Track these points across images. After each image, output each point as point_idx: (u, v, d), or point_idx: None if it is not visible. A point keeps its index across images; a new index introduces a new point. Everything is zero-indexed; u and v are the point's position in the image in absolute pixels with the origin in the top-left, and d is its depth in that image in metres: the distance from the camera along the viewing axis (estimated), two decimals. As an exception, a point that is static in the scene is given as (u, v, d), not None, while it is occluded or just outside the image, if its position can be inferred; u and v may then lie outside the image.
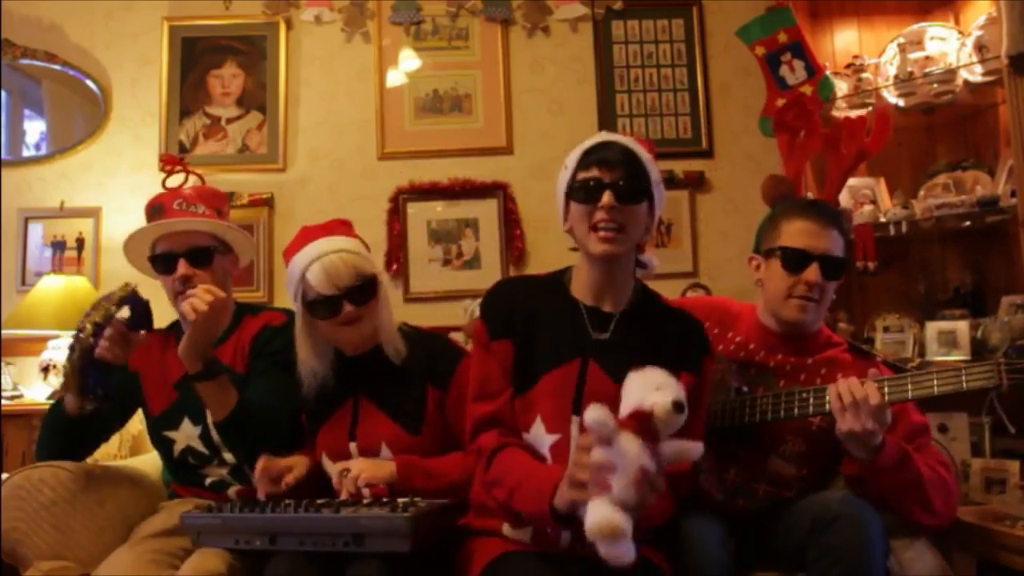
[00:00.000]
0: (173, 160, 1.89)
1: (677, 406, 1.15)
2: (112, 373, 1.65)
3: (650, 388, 1.18)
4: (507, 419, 1.45)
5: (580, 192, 1.43)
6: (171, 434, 1.79)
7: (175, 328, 1.87)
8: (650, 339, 1.45)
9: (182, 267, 1.74)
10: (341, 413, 1.70)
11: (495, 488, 1.39)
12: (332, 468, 1.65)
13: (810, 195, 2.76)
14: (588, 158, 1.44)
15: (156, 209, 1.81)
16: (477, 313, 1.64)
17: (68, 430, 1.73)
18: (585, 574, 1.30)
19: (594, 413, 1.12)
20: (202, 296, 1.61)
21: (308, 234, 1.68)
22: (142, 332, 1.66)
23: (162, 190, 1.85)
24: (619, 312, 1.47)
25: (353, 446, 1.66)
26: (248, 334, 1.84)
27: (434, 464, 1.61)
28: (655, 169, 1.47)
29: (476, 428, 1.47)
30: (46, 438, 1.77)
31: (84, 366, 1.59)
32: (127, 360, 1.66)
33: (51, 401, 2.80)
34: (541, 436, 1.41)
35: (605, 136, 1.49)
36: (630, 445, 1.14)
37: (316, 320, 1.65)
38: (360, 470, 1.53)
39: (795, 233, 1.65)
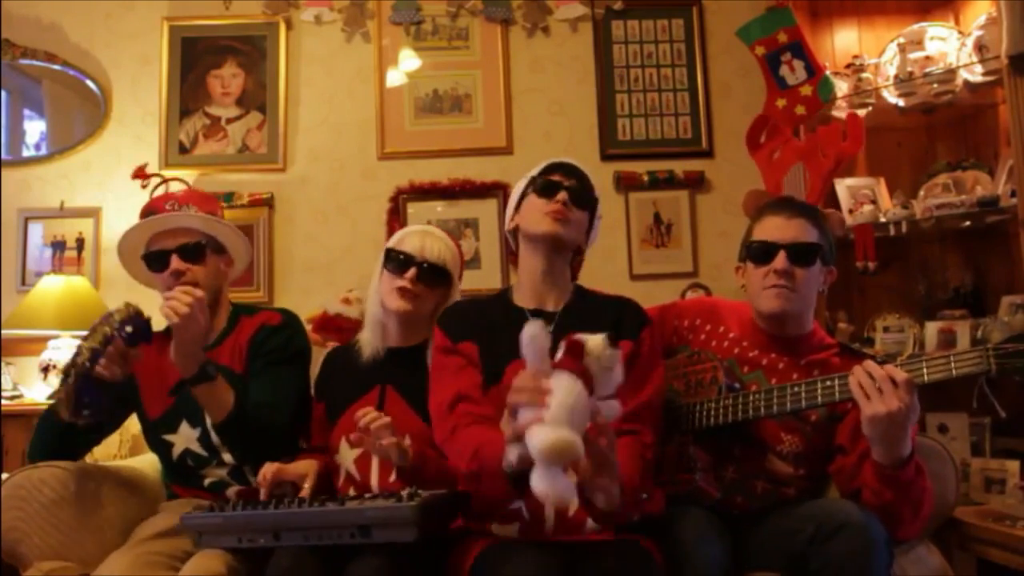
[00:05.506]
0: (143, 175, 1.92)
1: (610, 339, 1.14)
2: (109, 390, 1.62)
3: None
4: (478, 399, 1.51)
5: (541, 188, 1.61)
6: (169, 437, 1.79)
7: (171, 331, 1.87)
8: (590, 326, 1.50)
9: (175, 262, 1.75)
10: (366, 400, 1.71)
11: (462, 460, 1.42)
12: (349, 454, 1.67)
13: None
14: (551, 166, 1.65)
15: (149, 214, 1.83)
16: None
17: (62, 435, 1.74)
18: (573, 559, 1.32)
19: (531, 328, 1.15)
20: (181, 298, 1.59)
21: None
22: (140, 348, 1.63)
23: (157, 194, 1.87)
24: (560, 309, 1.61)
25: None
26: (245, 335, 1.84)
27: (448, 466, 1.61)
28: (599, 208, 1.70)
29: (451, 405, 1.50)
30: (39, 441, 1.77)
31: (79, 388, 1.58)
32: (125, 376, 1.63)
33: (51, 401, 2.81)
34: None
35: (568, 160, 1.68)
36: (563, 380, 1.12)
37: (384, 274, 1.77)
38: (386, 422, 1.49)
39: (763, 229, 1.70)
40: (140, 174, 1.94)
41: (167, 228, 1.78)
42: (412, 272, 1.72)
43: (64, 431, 1.71)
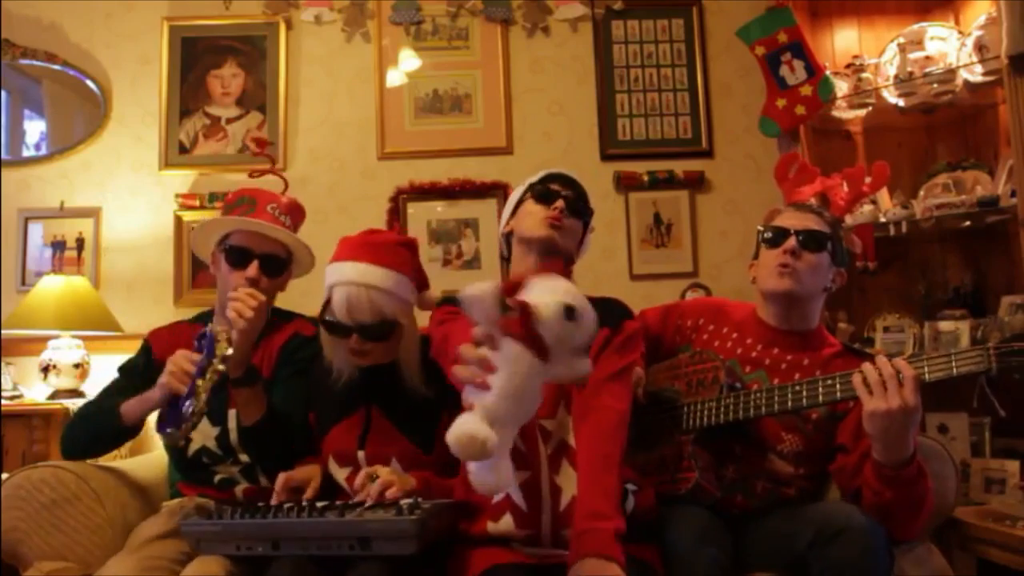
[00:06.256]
0: (263, 144, 1.93)
1: (567, 310, 1.03)
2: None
3: (545, 291, 1.06)
4: None
5: (540, 195, 1.64)
6: None
7: (200, 321, 1.88)
8: None
9: (253, 269, 1.76)
10: (353, 419, 1.69)
11: None
12: (339, 472, 1.66)
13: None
14: (550, 176, 1.69)
15: (246, 201, 1.83)
16: None
17: (117, 437, 1.77)
18: None
19: (475, 288, 1.03)
20: (247, 301, 1.61)
21: (350, 251, 1.65)
22: None
23: (247, 179, 1.96)
24: None
25: (362, 455, 1.65)
26: (278, 341, 1.85)
27: (450, 481, 1.61)
28: (592, 220, 1.72)
29: None
30: (86, 439, 1.76)
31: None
32: None
33: (50, 401, 2.80)
34: None
35: (566, 172, 1.72)
36: (509, 353, 1.02)
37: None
38: (389, 482, 1.48)
39: (778, 219, 1.79)
40: (261, 149, 1.94)
41: (262, 233, 1.79)
42: (354, 339, 1.60)
43: (120, 433, 1.75)
